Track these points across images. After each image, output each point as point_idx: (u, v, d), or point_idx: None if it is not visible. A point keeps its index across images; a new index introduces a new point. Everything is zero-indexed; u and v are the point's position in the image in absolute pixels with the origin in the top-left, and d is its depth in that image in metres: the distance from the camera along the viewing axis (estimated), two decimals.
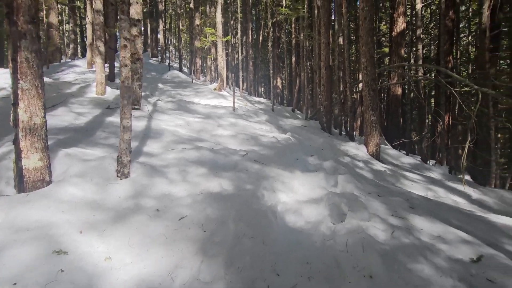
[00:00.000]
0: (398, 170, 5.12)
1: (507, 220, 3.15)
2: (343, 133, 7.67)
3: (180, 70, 19.22)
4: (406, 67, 9.52)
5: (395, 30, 11.56)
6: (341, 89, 7.85)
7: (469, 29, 17.95)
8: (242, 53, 18.71)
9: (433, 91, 15.82)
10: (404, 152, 10.26)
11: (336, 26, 9.54)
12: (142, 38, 6.32)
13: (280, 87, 20.38)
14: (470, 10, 16.94)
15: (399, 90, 11.70)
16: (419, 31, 11.58)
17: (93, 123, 4.31)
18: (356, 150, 5.79)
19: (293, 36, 16.41)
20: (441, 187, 4.46)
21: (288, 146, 5.12)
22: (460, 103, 7.28)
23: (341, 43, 7.73)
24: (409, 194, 3.60)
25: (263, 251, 2.09)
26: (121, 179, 2.57)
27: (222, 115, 6.56)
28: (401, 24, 11.45)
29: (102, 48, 6.24)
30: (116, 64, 12.83)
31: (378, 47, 17.72)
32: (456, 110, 15.09)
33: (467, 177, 10.48)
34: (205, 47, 14.53)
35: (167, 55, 26.01)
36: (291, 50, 19.72)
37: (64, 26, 23.28)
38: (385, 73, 15.14)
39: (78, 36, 22.00)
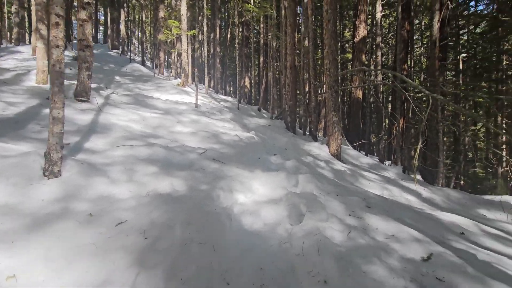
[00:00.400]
0: (357, 170, 5.24)
1: (453, 217, 3.33)
2: (307, 133, 7.75)
3: (143, 63, 18.20)
4: (366, 72, 9.96)
5: (357, 36, 12.08)
6: (306, 90, 7.94)
7: (422, 41, 19.56)
8: (209, 50, 18.28)
9: (390, 96, 16.91)
10: (364, 152, 10.74)
11: (303, 28, 9.67)
12: (92, 23, 5.71)
13: (248, 86, 20.28)
14: (423, 23, 18.47)
15: (360, 94, 12.25)
16: (378, 39, 12.22)
17: (26, 114, 3.73)
18: (319, 150, 5.84)
19: (262, 36, 16.38)
20: (396, 186, 4.64)
21: (250, 144, 4.97)
22: (414, 108, 7.80)
23: (307, 44, 7.81)
24: (366, 193, 3.65)
25: (213, 259, 1.89)
26: (48, 178, 2.18)
27: (183, 112, 6.21)
28: (362, 31, 11.99)
29: (44, 32, 5.52)
30: (68, 53, 11.65)
31: (342, 53, 18.47)
32: (410, 114, 16.34)
33: (419, 177, 11.28)
34: (169, 41, 13.88)
35: (129, 47, 24.52)
36: (259, 50, 19.74)
37: (6, 7, 20.75)
38: (347, 77, 15.82)
39: (26, 20, 19.72)
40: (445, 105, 6.90)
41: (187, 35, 10.26)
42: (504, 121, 12.10)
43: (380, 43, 12.59)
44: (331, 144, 5.92)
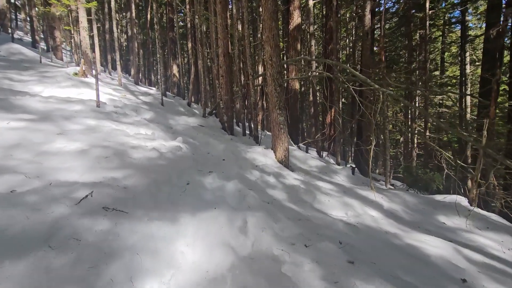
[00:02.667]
0: (310, 180, 4.42)
1: (435, 247, 2.72)
2: (247, 132, 6.66)
3: (33, 45, 14.19)
4: (309, 61, 9.37)
5: (292, 23, 11.43)
6: (243, 82, 6.79)
7: (347, 32, 20.47)
8: (127, 32, 15.33)
9: (318, 87, 17.19)
10: (303, 146, 10.35)
11: (234, 10, 8.38)
12: None
13: (177, 75, 18.05)
14: (347, 15, 19.21)
15: (297, 85, 11.76)
16: (312, 28, 11.82)
17: None
18: (264, 157, 4.81)
19: (187, 16, 14.37)
20: (355, 198, 3.96)
21: (176, 161, 3.58)
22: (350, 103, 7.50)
23: (241, 28, 6.59)
24: (335, 226, 2.77)
25: None
26: None
27: (74, 115, 4.33)
28: (297, 18, 11.39)
29: None
30: None
31: None
32: (341, 105, 16.92)
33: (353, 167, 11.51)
34: (64, 16, 10.80)
35: (15, 23, 19.13)
36: (186, 35, 17.59)
37: None
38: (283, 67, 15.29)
39: None
40: (390, 101, 6.71)
41: (86, 8, 7.83)
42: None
43: (314, 33, 12.29)
44: (277, 149, 4.96)
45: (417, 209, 4.16)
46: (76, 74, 7.14)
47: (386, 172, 6.21)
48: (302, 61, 9.88)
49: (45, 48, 12.84)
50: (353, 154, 13.56)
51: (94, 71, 6.31)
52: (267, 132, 10.21)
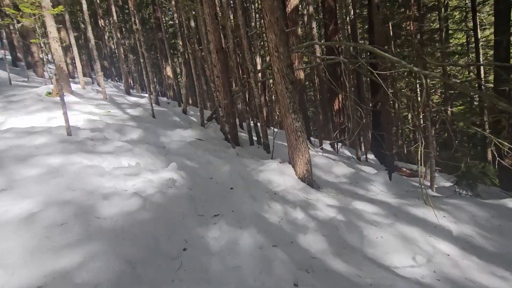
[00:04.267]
0: (345, 202, 3.40)
1: None
2: (254, 138, 5.63)
3: (14, 64, 13.27)
4: (320, 46, 8.22)
5: (289, 6, 10.22)
6: (242, 79, 5.73)
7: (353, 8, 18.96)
8: (118, 38, 14.27)
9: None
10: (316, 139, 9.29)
11: None
12: None
13: (172, 76, 16.99)
14: None
15: (302, 74, 10.62)
16: (311, 8, 10.60)
17: None
18: (282, 176, 3.79)
19: (175, 14, 13.15)
20: (413, 225, 2.95)
21: (166, 209, 2.60)
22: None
23: (235, 17, 5.50)
24: None
25: None
26: None
27: (34, 152, 3.36)
28: None
29: None
30: None
31: None
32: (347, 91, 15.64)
33: (372, 157, 10.46)
34: (38, 28, 9.77)
35: (2, 41, 18.20)
36: (176, 33, 16.41)
37: None
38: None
39: None
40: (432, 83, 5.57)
41: (53, 14, 6.78)
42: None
43: (313, 13, 11.05)
44: (296, 162, 3.93)
45: (494, 228, 3.12)
46: (49, 93, 6.16)
47: (432, 172, 5.15)
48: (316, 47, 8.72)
49: (24, 65, 11.90)
50: (369, 145, 12.43)
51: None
52: (275, 129, 9.16)
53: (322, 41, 5.90)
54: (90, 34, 7.64)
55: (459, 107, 14.97)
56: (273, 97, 15.12)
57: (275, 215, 2.78)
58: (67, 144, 3.74)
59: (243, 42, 4.98)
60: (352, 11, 16.29)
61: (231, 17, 6.24)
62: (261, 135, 5.45)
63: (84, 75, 17.23)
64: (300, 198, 3.23)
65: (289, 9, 10.16)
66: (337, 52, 10.73)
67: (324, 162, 5.01)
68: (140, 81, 19.73)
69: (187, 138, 5.19)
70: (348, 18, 19.91)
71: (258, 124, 5.79)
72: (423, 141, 3.80)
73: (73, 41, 8.78)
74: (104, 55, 22.56)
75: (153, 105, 8.09)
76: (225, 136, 5.52)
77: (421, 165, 3.80)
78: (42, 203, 2.34)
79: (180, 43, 14.17)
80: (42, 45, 9.02)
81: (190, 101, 17.67)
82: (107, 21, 21.84)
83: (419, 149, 3.71)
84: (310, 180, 3.97)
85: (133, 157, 3.80)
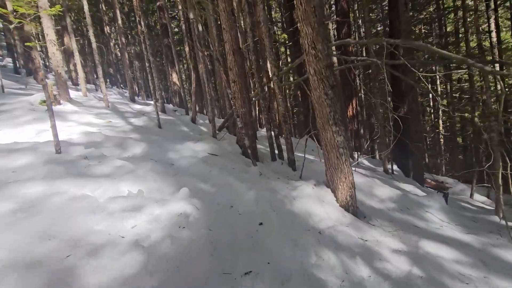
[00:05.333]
0: (414, 246, 2.58)
1: None
2: (276, 153, 4.84)
3: (16, 71, 12.81)
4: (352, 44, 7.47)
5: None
6: (263, 85, 4.98)
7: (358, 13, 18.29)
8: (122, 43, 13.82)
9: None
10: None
11: None
12: None
13: (178, 83, 16.41)
14: None
15: None
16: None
17: None
18: (321, 205, 3.00)
19: (182, 19, 12.60)
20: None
21: (178, 269, 1.82)
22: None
23: (257, 12, 4.82)
24: None
25: None
26: None
27: (11, 178, 2.64)
28: None
29: None
30: None
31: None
32: (362, 99, 14.80)
33: (395, 167, 9.55)
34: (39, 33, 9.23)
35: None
36: (183, 39, 15.88)
37: None
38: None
39: None
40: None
41: (51, 16, 6.17)
42: None
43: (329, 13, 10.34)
44: (338, 187, 3.13)
45: None
46: (43, 102, 5.50)
47: (498, 193, 4.27)
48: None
49: (25, 72, 11.39)
50: (392, 155, 11.54)
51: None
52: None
53: (355, 40, 5.13)
54: (92, 37, 7.04)
55: None
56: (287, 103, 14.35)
57: (331, 272, 1.98)
58: (53, 165, 3.01)
59: (265, 41, 4.25)
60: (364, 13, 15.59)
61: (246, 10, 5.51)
62: (285, 148, 4.67)
63: (88, 82, 16.73)
64: (354, 240, 2.43)
65: None
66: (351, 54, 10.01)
67: (362, 181, 4.20)
68: (146, 88, 19.23)
69: (199, 153, 4.44)
70: (360, 20, 19.19)
71: (281, 137, 5.02)
72: (500, 160, 2.98)
73: (74, 45, 8.19)
74: (109, 62, 22.23)
75: (159, 113, 7.40)
76: (243, 150, 4.75)
77: (497, 191, 2.97)
78: (4, 263, 1.59)
79: (187, 49, 13.60)
80: (39, 48, 8.43)
81: (197, 108, 17.05)
82: (113, 28, 21.54)
83: (499, 171, 2.89)
84: (354, 208, 3.16)
85: (135, 181, 3.05)
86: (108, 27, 20.04)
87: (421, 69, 11.38)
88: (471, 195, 5.28)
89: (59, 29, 11.01)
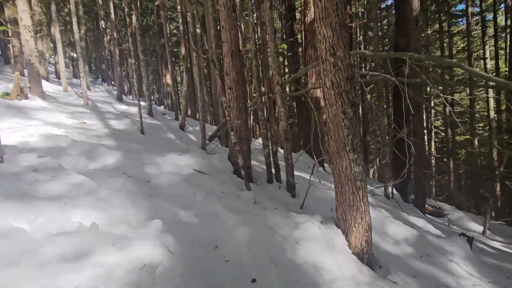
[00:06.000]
0: None
1: None
2: (273, 175, 4.19)
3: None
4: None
5: (308, 15, 9.14)
6: (263, 95, 4.38)
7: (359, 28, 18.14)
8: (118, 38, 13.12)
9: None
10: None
11: None
12: None
13: (171, 84, 15.74)
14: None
15: (318, 92, 9.39)
16: None
17: None
18: (331, 253, 2.36)
19: (180, 19, 11.99)
20: None
21: None
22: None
23: (263, 9, 4.25)
24: None
25: None
26: None
27: None
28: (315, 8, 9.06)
29: None
30: None
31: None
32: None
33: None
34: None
35: None
36: (179, 40, 15.27)
37: None
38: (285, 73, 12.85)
39: None
40: None
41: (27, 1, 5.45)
42: None
43: None
44: (352, 229, 2.51)
45: None
46: (6, 95, 4.72)
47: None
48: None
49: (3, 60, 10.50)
50: (392, 179, 11.08)
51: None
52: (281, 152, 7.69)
53: (371, 52, 4.63)
54: (75, 26, 6.33)
55: None
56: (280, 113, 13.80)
57: None
58: None
59: (270, 44, 3.66)
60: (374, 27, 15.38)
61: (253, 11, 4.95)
62: (282, 165, 4.04)
63: (76, 76, 15.82)
64: None
65: (308, 18, 9.05)
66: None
67: (372, 216, 3.59)
68: (139, 87, 18.46)
69: (183, 168, 3.75)
70: (362, 36, 19.01)
71: (280, 150, 4.40)
72: None
73: (57, 35, 7.46)
74: (102, 57, 21.39)
75: (145, 116, 6.69)
76: (235, 168, 4.09)
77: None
78: None
79: (183, 50, 12.99)
80: (10, 34, 7.63)
81: (189, 112, 16.36)
82: (108, 23, 20.80)
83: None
84: (370, 256, 2.54)
85: (93, 206, 2.34)
86: (103, 22, 19.30)
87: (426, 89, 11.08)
88: (484, 232, 4.78)
89: (48, 18, 10.23)
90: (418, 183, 7.40)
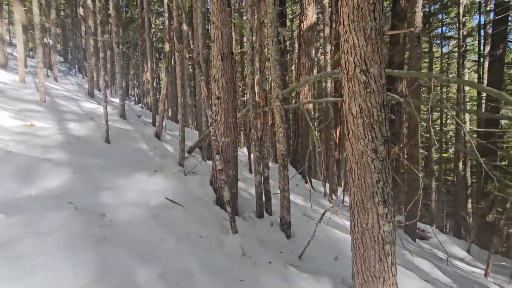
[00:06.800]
0: None
1: None
2: (263, 208, 3.47)
3: None
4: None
5: (305, 22, 8.66)
6: (257, 107, 3.68)
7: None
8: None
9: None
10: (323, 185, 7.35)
11: None
12: None
13: (151, 82, 14.67)
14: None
15: (310, 105, 8.87)
16: (327, 30, 9.08)
17: None
18: None
19: (166, 13, 11.03)
20: None
21: None
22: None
23: (257, 10, 3.57)
24: None
25: None
26: None
27: None
28: (312, 15, 8.63)
29: None
30: None
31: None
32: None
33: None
34: None
35: None
36: (164, 36, 14.30)
37: None
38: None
39: None
40: None
41: None
42: None
43: (329, 37, 9.49)
44: None
45: None
46: None
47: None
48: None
49: None
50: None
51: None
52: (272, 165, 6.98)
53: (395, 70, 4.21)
54: (35, 7, 5.31)
55: None
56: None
57: None
58: None
59: (270, 49, 2.98)
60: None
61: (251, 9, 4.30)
62: (273, 197, 3.35)
63: (50, 67, 14.33)
64: None
65: (304, 26, 8.56)
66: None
67: None
68: (111, 84, 17.13)
69: (151, 196, 2.95)
70: None
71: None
72: None
73: (17, 16, 6.36)
74: (78, 47, 19.84)
75: (116, 119, 5.77)
76: (217, 196, 3.33)
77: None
78: None
79: (167, 46, 12.06)
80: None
81: (170, 113, 15.33)
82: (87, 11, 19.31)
83: None
84: None
85: (1, 269, 1.51)
86: (82, 9, 17.88)
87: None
88: (486, 274, 4.35)
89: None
90: (410, 208, 7.02)
